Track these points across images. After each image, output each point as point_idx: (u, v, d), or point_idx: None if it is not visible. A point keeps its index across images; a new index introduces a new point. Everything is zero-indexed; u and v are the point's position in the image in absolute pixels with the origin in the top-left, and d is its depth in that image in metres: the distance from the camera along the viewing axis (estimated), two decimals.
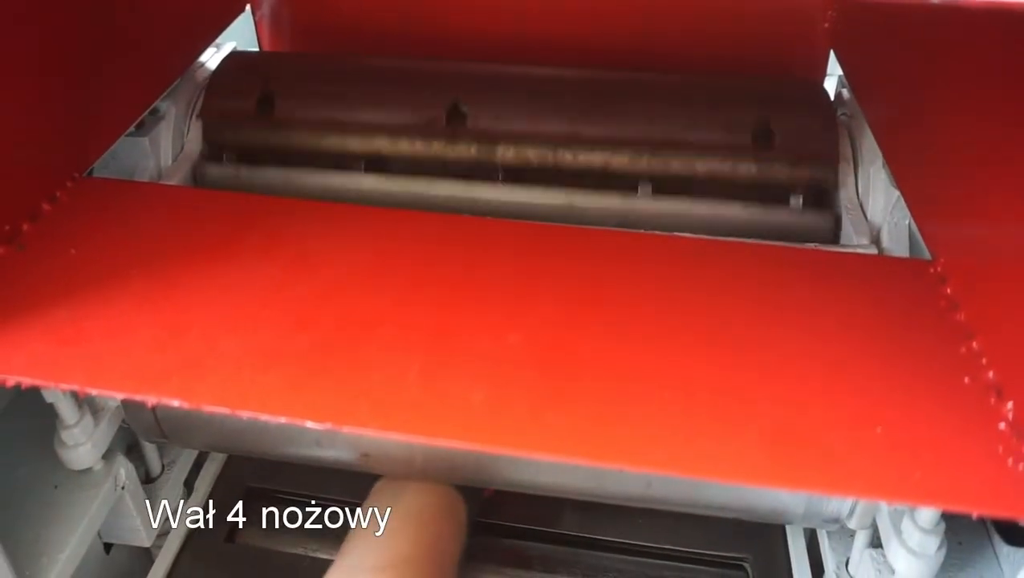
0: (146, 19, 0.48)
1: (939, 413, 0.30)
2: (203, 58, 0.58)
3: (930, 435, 0.29)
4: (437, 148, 0.52)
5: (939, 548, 0.38)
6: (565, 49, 0.55)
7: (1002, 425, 0.29)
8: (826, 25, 0.54)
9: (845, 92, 0.52)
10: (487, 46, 0.59)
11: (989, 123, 0.33)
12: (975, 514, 0.27)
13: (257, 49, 0.66)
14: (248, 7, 0.63)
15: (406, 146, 0.52)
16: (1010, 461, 0.28)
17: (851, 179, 0.47)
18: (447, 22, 0.60)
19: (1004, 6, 0.19)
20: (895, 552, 0.38)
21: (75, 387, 0.32)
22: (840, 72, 0.53)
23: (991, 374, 0.31)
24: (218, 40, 0.59)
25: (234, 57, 0.57)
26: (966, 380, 0.31)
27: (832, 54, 0.55)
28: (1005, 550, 0.41)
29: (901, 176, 0.42)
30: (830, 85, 0.55)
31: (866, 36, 0.48)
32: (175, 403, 0.31)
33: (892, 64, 0.44)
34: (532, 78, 0.53)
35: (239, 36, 0.62)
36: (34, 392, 0.42)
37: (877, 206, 0.45)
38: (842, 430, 0.30)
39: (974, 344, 0.33)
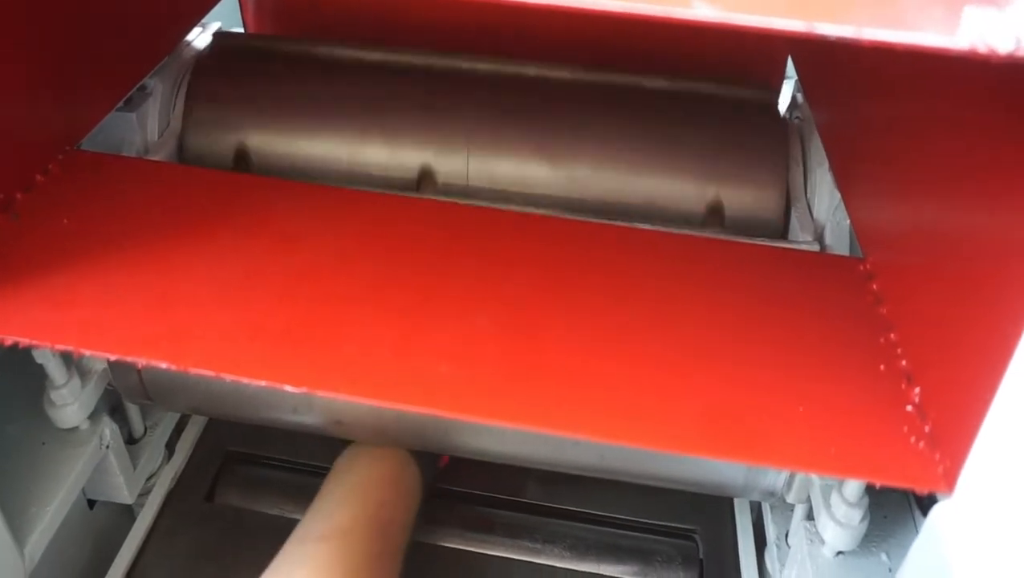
0: None
1: (855, 396, 0.34)
2: (189, 37, 0.60)
3: (845, 415, 0.33)
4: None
5: (862, 519, 0.41)
6: (537, 43, 0.58)
7: (909, 407, 0.33)
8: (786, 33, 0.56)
9: (799, 96, 0.55)
10: (467, 35, 0.61)
11: (918, 139, 0.37)
12: (878, 484, 0.31)
13: (242, 29, 0.68)
14: None
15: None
16: (912, 439, 0.32)
17: (800, 179, 0.51)
18: (429, 8, 0.62)
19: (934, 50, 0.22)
20: (824, 523, 0.42)
21: (69, 348, 0.34)
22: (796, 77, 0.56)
23: (904, 362, 0.35)
24: (204, 20, 0.61)
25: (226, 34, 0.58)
26: (882, 367, 0.35)
27: (790, 60, 0.58)
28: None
29: (842, 179, 0.45)
30: (787, 88, 0.58)
31: (819, 46, 0.51)
32: (163, 365, 0.33)
33: (840, 75, 0.47)
34: (501, 132, 0.53)
35: (224, 16, 0.64)
36: (24, 353, 0.45)
37: (822, 205, 0.48)
38: (768, 409, 0.33)
39: (892, 335, 0.36)
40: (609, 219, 0.45)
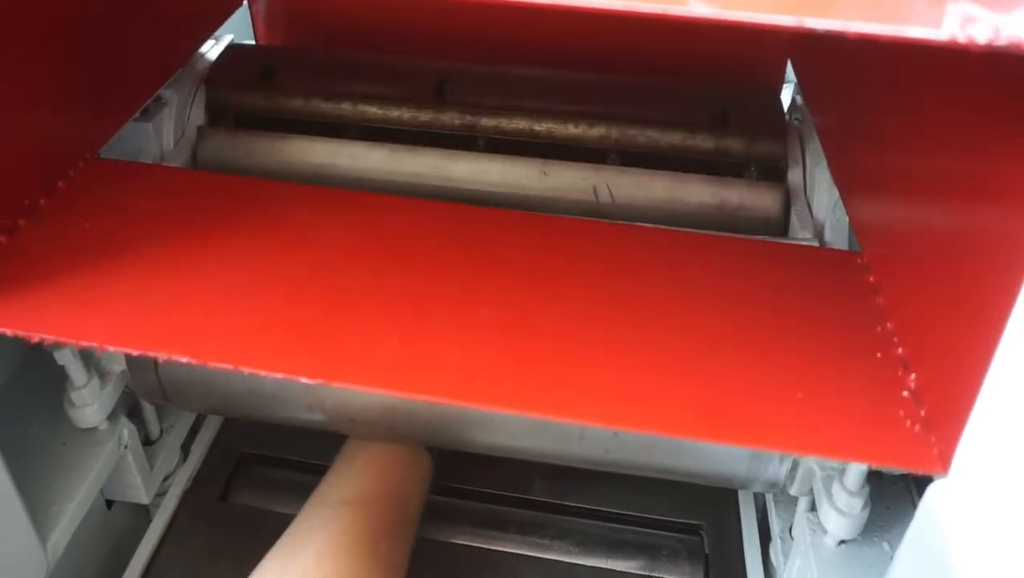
0: (150, 13, 0.52)
1: (853, 382, 0.35)
2: (202, 50, 0.62)
3: (843, 400, 0.34)
4: (425, 118, 0.55)
5: (863, 508, 0.42)
6: (541, 49, 0.59)
7: (905, 393, 0.34)
8: (785, 37, 0.58)
9: (799, 99, 0.56)
10: (475, 43, 0.63)
11: (910, 137, 0.38)
12: (875, 466, 0.32)
13: (253, 42, 0.69)
14: (245, 2, 0.66)
15: (396, 115, 0.56)
16: (908, 423, 0.33)
17: (800, 178, 0.52)
18: (439, 18, 0.64)
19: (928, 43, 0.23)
20: (826, 513, 0.43)
21: (92, 344, 0.36)
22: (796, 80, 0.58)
23: (900, 350, 0.36)
24: (216, 33, 0.63)
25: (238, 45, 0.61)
26: (879, 355, 0.36)
27: (789, 64, 0.59)
28: None
29: (839, 177, 0.46)
30: (787, 92, 0.59)
31: (818, 50, 0.52)
32: (183, 360, 0.34)
33: (837, 79, 0.48)
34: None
35: (236, 29, 0.65)
36: (45, 357, 0.46)
37: (821, 203, 0.50)
38: (767, 394, 0.34)
39: (888, 324, 0.37)
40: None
